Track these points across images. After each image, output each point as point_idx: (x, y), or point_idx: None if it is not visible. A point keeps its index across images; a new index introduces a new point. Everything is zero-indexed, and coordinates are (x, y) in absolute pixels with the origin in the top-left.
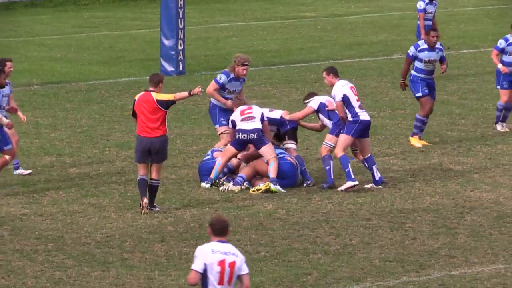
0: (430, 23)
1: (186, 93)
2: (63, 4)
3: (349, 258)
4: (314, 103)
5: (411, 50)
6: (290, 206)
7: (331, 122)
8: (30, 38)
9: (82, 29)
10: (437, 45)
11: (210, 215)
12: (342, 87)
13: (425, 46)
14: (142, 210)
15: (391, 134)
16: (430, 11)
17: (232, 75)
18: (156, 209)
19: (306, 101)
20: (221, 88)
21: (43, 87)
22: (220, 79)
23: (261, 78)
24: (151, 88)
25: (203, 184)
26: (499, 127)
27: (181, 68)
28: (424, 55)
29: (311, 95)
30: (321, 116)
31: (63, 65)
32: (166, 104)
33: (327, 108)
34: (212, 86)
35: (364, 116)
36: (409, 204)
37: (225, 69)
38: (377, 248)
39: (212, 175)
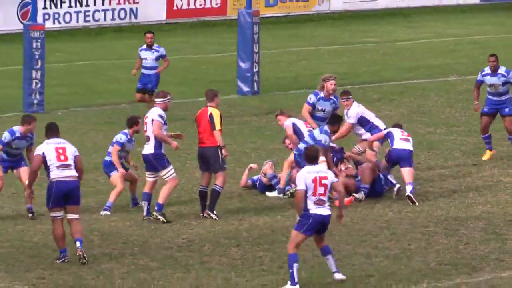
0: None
1: (221, 143)
2: (149, 29)
3: (407, 262)
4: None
5: (478, 75)
6: (354, 214)
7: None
8: (118, 61)
9: (166, 52)
10: (500, 71)
11: (282, 223)
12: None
13: (488, 71)
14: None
15: (446, 149)
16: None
17: (321, 95)
18: (212, 215)
19: (343, 98)
20: (313, 108)
21: (130, 105)
22: (310, 99)
23: None
24: (208, 104)
25: (274, 194)
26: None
27: (255, 88)
28: (487, 80)
29: (347, 93)
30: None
31: None
32: (212, 124)
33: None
34: (305, 109)
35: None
36: (462, 212)
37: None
38: (433, 252)
39: (283, 186)
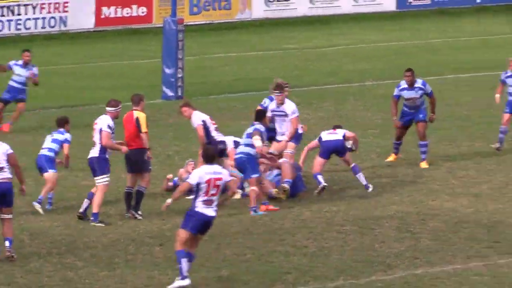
0: None
1: (147, 145)
2: (77, 37)
3: (324, 260)
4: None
5: (395, 91)
6: (273, 213)
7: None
8: (48, 67)
9: (95, 59)
10: (417, 84)
11: None
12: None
13: (405, 85)
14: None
15: (363, 151)
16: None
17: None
18: (137, 216)
19: (277, 91)
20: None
21: (59, 109)
22: (265, 103)
23: (253, 102)
24: (134, 107)
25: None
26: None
27: (179, 93)
28: (405, 94)
29: (280, 86)
30: None
31: (77, 91)
32: (138, 127)
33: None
34: None
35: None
36: (378, 212)
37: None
38: (350, 250)
39: None
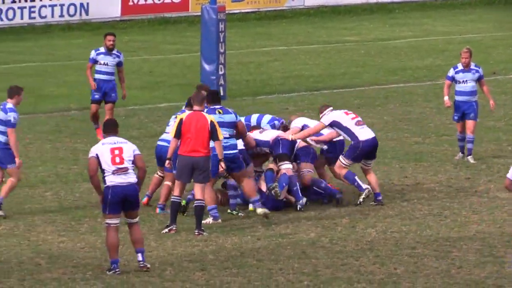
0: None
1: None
2: (100, 27)
3: (393, 287)
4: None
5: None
6: (333, 234)
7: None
8: (67, 62)
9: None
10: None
11: (252, 244)
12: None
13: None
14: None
15: (436, 161)
16: (103, 62)
17: None
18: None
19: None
20: None
21: (81, 112)
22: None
23: (304, 103)
24: (198, 108)
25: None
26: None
27: (221, 93)
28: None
29: (325, 107)
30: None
31: None
32: (214, 133)
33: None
34: None
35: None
36: (455, 232)
37: None
38: (423, 277)
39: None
